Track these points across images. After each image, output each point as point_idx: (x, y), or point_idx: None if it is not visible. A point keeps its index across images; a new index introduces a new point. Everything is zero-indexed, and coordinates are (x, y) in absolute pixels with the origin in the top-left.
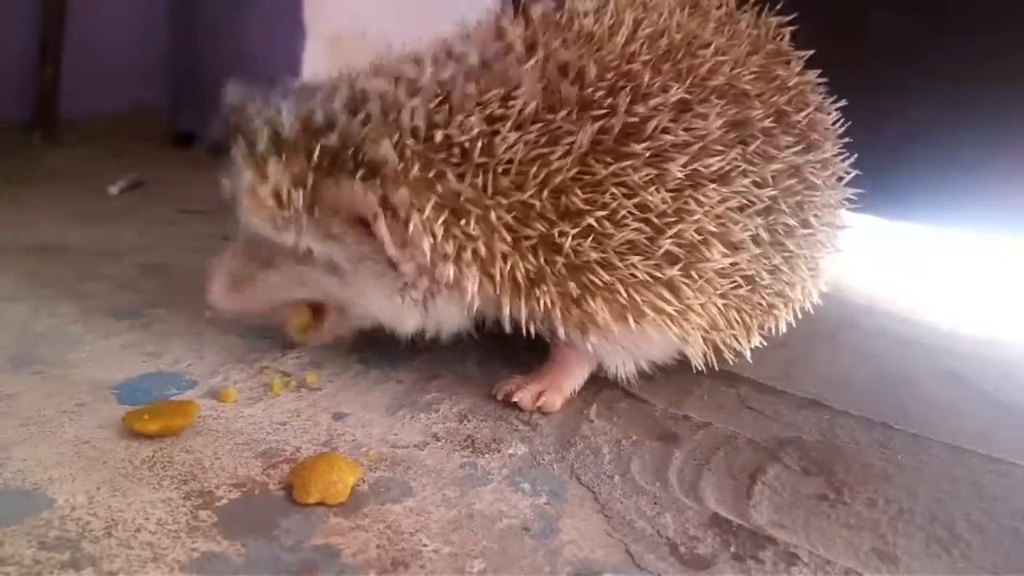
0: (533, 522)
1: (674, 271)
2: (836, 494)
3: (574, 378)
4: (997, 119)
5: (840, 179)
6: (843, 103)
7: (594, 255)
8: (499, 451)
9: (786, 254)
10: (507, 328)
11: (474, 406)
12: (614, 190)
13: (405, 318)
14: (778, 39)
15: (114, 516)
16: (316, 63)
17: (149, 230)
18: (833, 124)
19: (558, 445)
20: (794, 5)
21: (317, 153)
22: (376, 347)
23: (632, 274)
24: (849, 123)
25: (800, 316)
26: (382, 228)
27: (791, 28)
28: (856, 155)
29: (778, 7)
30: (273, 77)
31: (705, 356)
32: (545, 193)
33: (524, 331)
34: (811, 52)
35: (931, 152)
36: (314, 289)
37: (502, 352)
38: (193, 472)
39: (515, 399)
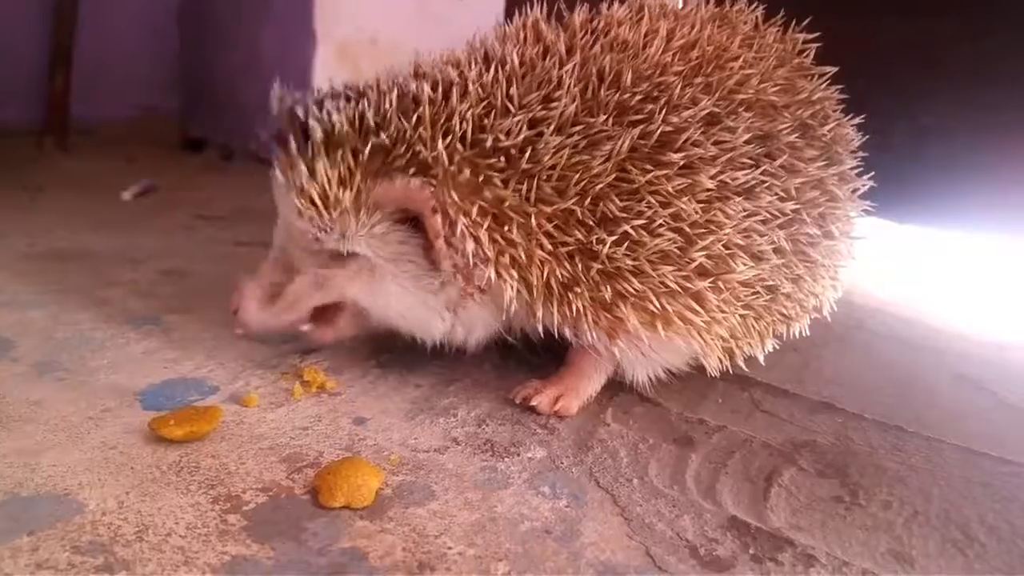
0: (555, 525)
1: (703, 283)
2: (852, 496)
3: (591, 383)
4: (1007, 122)
5: (856, 190)
6: (853, 106)
7: (628, 262)
8: (518, 455)
9: (808, 264)
10: (533, 335)
11: (492, 410)
12: (650, 198)
13: (434, 323)
14: (802, 55)
15: (144, 521)
16: (327, 69)
17: (166, 236)
18: (852, 139)
19: (576, 449)
20: (805, 10)
21: (367, 152)
22: (393, 352)
23: (663, 283)
24: (859, 127)
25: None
26: (437, 223)
27: (815, 45)
28: (867, 158)
29: (805, 23)
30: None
31: (720, 362)
32: (586, 200)
33: (555, 335)
34: (835, 69)
35: (941, 155)
36: (342, 292)
37: (519, 357)
38: (220, 476)
39: (533, 403)
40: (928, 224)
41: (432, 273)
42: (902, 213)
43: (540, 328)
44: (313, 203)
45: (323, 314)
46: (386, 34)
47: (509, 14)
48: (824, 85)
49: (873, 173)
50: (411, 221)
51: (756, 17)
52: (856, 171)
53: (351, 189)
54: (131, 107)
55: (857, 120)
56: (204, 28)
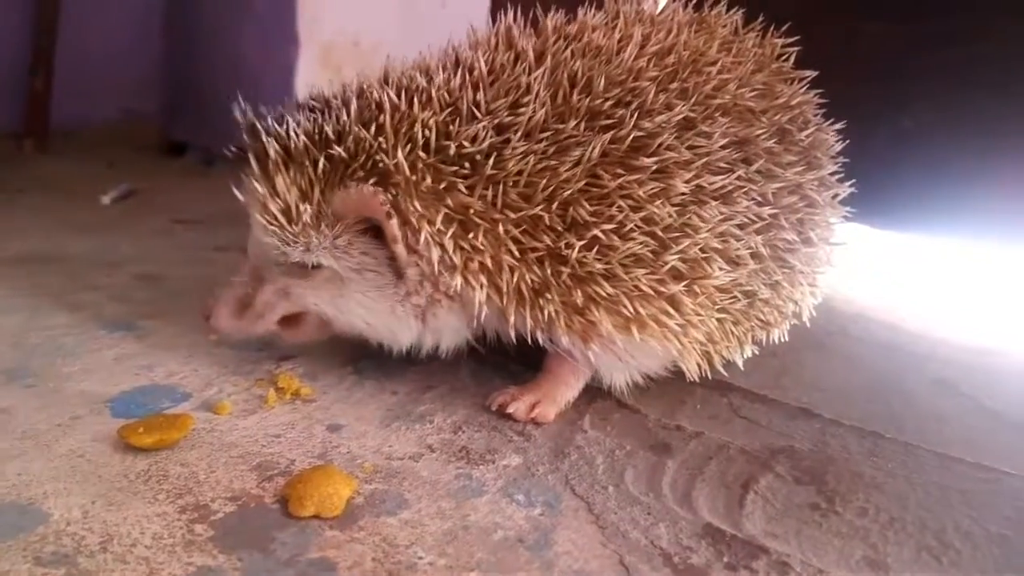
0: (528, 534)
1: (678, 287)
2: (828, 503)
3: (569, 389)
4: (987, 128)
5: (836, 196)
6: (833, 111)
7: (599, 266)
8: (493, 462)
9: (787, 269)
10: (506, 341)
11: (468, 417)
12: (621, 202)
13: (402, 331)
14: (781, 59)
15: (109, 531)
16: (310, 72)
17: (142, 240)
18: (832, 144)
19: (552, 456)
20: (786, 15)
21: (325, 164)
22: (370, 358)
23: (636, 287)
24: (839, 132)
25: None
26: (394, 228)
27: (795, 49)
28: (847, 163)
29: (784, 28)
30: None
31: (699, 367)
32: (553, 205)
33: (528, 341)
34: (814, 73)
35: (921, 161)
36: (309, 302)
37: (496, 363)
38: (188, 485)
39: (509, 410)
40: (908, 229)
41: (398, 283)
42: (882, 218)
43: (513, 333)
44: (276, 219)
45: (291, 318)
46: (369, 37)
47: (493, 17)
48: (803, 89)
49: (853, 178)
50: (373, 231)
51: (735, 22)
52: (836, 176)
53: (311, 203)
54: (113, 109)
55: (837, 125)
56: (187, 31)
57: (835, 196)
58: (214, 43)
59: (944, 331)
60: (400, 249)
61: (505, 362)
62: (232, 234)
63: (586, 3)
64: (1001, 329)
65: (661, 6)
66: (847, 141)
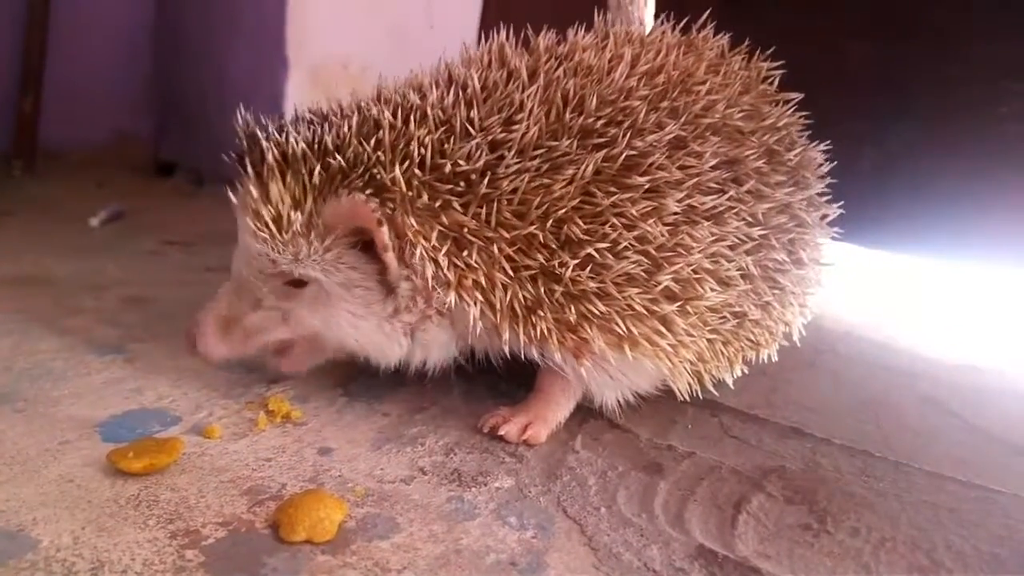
0: (520, 557)
1: (670, 307)
2: (819, 523)
3: (560, 409)
4: (973, 148)
5: (824, 216)
6: (820, 132)
7: (592, 285)
8: (486, 484)
9: (777, 290)
10: (494, 359)
11: (460, 439)
12: (615, 220)
13: (391, 347)
14: (767, 81)
15: (100, 557)
16: (300, 94)
17: (132, 262)
18: (820, 164)
19: (544, 477)
20: (771, 38)
21: (321, 173)
22: (360, 380)
23: (629, 306)
24: (826, 152)
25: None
26: (384, 236)
27: (780, 72)
28: (834, 183)
29: (769, 52)
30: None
31: (689, 386)
32: (547, 223)
33: (520, 358)
34: (800, 96)
35: (907, 180)
36: (298, 325)
37: (488, 383)
38: (179, 511)
39: (501, 432)
40: (896, 249)
41: (387, 299)
42: (870, 238)
43: (507, 349)
44: (267, 225)
45: (282, 346)
46: (358, 59)
47: (482, 39)
48: (789, 111)
49: (840, 199)
50: (363, 245)
51: (722, 45)
52: (824, 197)
53: (303, 211)
54: (102, 131)
55: (823, 146)
56: (177, 52)
57: (823, 216)
58: (204, 64)
59: (932, 349)
60: (391, 258)
61: (496, 382)
62: (222, 255)
63: (576, 24)
64: (988, 347)
65: (648, 28)
66: (834, 162)
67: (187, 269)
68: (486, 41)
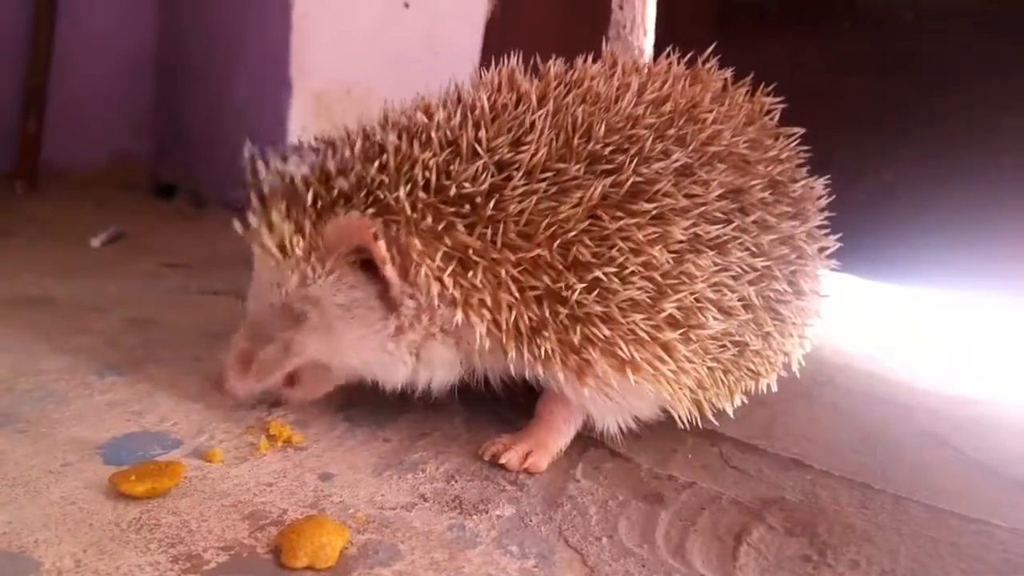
0: None
1: (673, 334)
2: (819, 555)
3: (561, 436)
4: (969, 180)
5: (823, 249)
6: (817, 164)
7: (597, 308)
8: (487, 512)
9: (778, 321)
10: (495, 382)
11: (461, 466)
12: (622, 244)
13: (396, 367)
14: (769, 115)
15: None
16: (302, 118)
17: (133, 284)
18: (820, 196)
19: (545, 506)
20: (771, 72)
21: (324, 196)
22: (362, 405)
23: (632, 331)
24: (824, 185)
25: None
26: (382, 249)
27: (781, 106)
28: (831, 216)
29: (771, 88)
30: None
31: (689, 414)
32: (555, 244)
33: (523, 379)
34: (801, 130)
35: (905, 211)
36: (306, 353)
37: (490, 410)
38: (180, 535)
39: (502, 460)
40: (893, 280)
41: (389, 318)
42: (867, 269)
43: (512, 368)
44: (272, 252)
45: (291, 377)
46: (361, 84)
47: (485, 66)
48: (791, 145)
49: (838, 231)
50: (365, 265)
51: (726, 79)
52: (823, 230)
53: (305, 235)
54: (103, 151)
55: (822, 179)
56: (179, 75)
57: (822, 248)
58: (206, 88)
59: (930, 382)
60: (391, 271)
61: (498, 409)
62: (222, 278)
63: (583, 52)
64: (987, 379)
65: (647, 57)
66: (832, 195)
67: (187, 291)
68: (488, 68)
